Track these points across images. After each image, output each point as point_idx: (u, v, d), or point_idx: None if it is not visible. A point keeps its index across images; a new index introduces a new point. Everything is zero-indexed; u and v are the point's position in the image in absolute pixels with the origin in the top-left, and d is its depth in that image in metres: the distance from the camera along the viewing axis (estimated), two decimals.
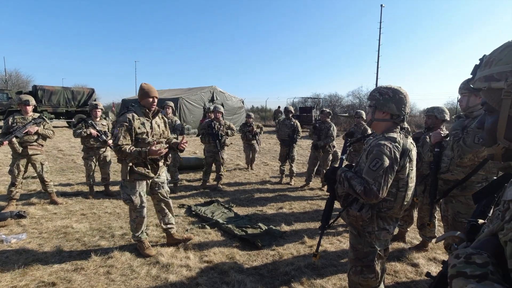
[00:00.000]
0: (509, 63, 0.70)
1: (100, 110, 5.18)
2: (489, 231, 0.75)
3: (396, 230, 3.79)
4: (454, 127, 2.57)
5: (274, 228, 3.93)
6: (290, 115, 6.52)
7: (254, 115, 7.97)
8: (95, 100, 18.58)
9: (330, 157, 6.09)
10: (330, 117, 6.16)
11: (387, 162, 1.71)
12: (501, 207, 0.75)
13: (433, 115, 3.33)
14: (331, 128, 5.92)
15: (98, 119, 5.15)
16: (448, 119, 3.36)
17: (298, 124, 6.53)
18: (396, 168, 1.75)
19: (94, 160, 5.12)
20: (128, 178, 3.05)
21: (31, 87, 21.16)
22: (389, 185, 1.74)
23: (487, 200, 1.07)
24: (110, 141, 5.17)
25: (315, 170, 6.32)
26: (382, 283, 2.00)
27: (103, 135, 5.08)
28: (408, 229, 3.75)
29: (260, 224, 3.98)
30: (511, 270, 0.62)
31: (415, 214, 3.68)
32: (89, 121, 5.04)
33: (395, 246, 3.56)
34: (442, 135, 2.75)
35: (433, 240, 3.46)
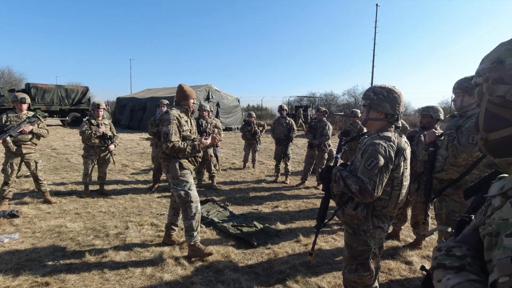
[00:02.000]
0: (491, 61, 0.75)
1: (102, 110, 5.08)
2: (472, 225, 0.79)
3: (391, 229, 3.83)
4: (448, 127, 2.59)
5: (269, 226, 3.94)
6: (285, 114, 6.58)
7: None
8: (89, 98, 18.44)
9: (326, 156, 6.12)
10: (326, 115, 6.19)
11: (382, 161, 1.72)
12: (486, 203, 0.79)
13: (429, 115, 3.36)
14: (327, 127, 5.94)
15: (100, 118, 5.07)
16: (443, 118, 3.40)
17: (293, 122, 6.57)
18: (391, 167, 1.77)
19: (94, 159, 5.06)
20: (179, 174, 3.05)
21: (24, 85, 20.91)
22: (384, 184, 1.75)
23: (480, 196, 1.09)
24: (112, 146, 5.12)
25: (311, 169, 6.35)
26: (376, 281, 2.02)
27: (108, 140, 5.03)
28: (402, 227, 3.78)
29: (256, 223, 3.99)
30: (487, 262, 0.65)
31: (409, 212, 3.72)
32: (92, 120, 4.96)
33: (389, 244, 3.58)
34: (437, 134, 2.77)
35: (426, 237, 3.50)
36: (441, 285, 0.68)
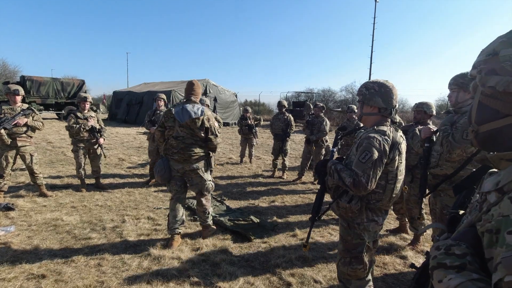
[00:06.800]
0: (486, 53, 0.74)
1: (89, 103, 5.04)
2: (468, 222, 0.78)
3: (397, 224, 3.93)
4: (443, 123, 2.61)
5: (266, 221, 3.96)
6: (284, 109, 6.57)
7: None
8: (85, 92, 18.30)
9: (323, 151, 6.14)
10: (323, 111, 6.19)
11: (376, 154, 1.74)
12: (479, 199, 0.78)
13: (423, 110, 3.48)
14: (324, 123, 5.95)
15: (86, 111, 5.02)
16: (435, 113, 3.50)
17: (292, 118, 6.57)
18: (385, 160, 1.78)
19: (84, 152, 5.02)
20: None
21: (19, 77, 20.67)
22: (377, 177, 1.77)
23: (466, 191, 1.10)
24: (101, 140, 5.07)
25: (308, 164, 6.37)
26: (370, 274, 2.05)
27: (97, 133, 5.00)
28: (406, 219, 3.80)
29: (252, 217, 4.01)
30: (488, 260, 0.64)
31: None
32: (78, 113, 4.91)
33: (384, 239, 3.62)
34: (432, 130, 2.79)
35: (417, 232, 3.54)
36: (443, 285, 0.67)
